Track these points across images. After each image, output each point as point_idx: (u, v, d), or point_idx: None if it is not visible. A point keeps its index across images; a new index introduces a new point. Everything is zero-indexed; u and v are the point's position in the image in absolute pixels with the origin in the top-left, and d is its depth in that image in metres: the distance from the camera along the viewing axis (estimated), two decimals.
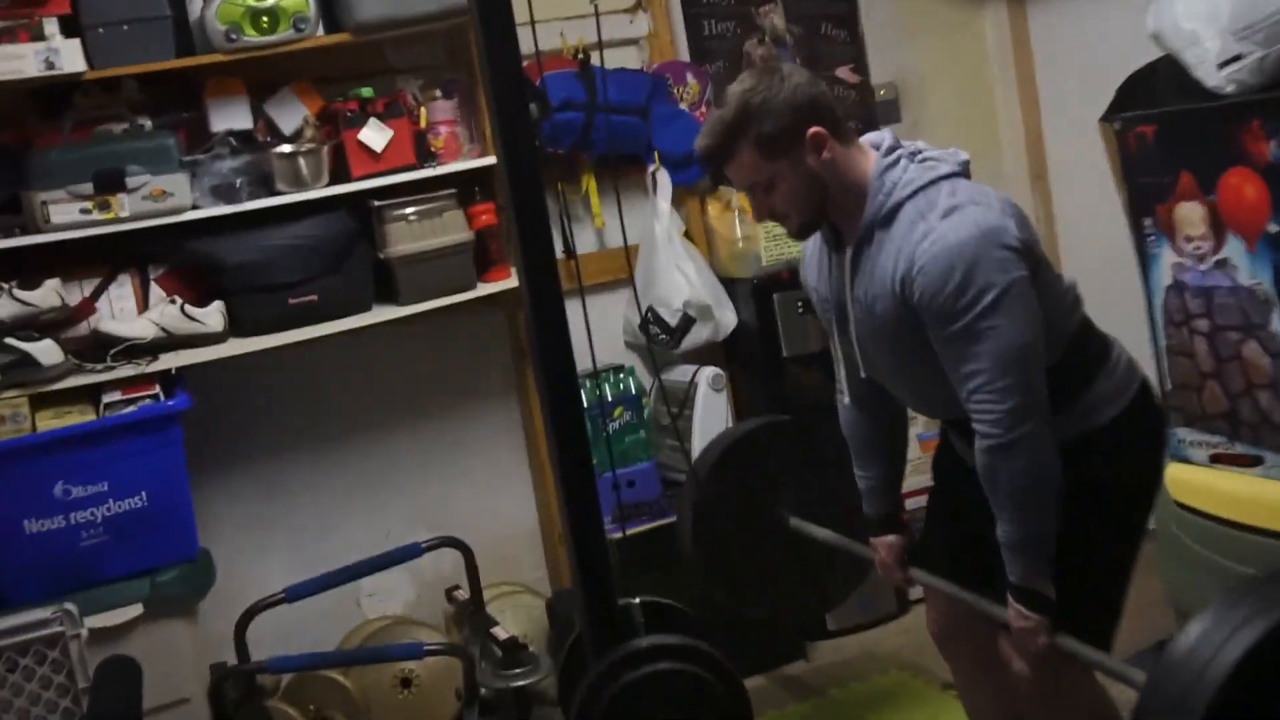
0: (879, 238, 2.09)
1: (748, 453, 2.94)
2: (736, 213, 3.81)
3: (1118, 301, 3.14)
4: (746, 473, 2.92)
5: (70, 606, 2.85)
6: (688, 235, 3.81)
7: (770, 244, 3.69)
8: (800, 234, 2.23)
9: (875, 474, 2.45)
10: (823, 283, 2.28)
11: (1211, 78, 2.65)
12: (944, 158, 2.12)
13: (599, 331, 2.91)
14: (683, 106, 3.78)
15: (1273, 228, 2.60)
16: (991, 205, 2.04)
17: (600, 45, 2.39)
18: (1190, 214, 2.77)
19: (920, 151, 2.13)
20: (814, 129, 2.07)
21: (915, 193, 2.06)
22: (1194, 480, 2.89)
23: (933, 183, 2.07)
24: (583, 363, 2.76)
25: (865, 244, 2.11)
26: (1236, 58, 2.61)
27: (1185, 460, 2.94)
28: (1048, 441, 2.05)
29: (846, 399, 2.40)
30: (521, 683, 3.10)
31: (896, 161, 2.10)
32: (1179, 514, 2.92)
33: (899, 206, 2.06)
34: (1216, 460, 2.87)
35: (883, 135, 2.18)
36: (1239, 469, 2.82)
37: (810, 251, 2.33)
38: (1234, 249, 2.70)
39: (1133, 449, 2.22)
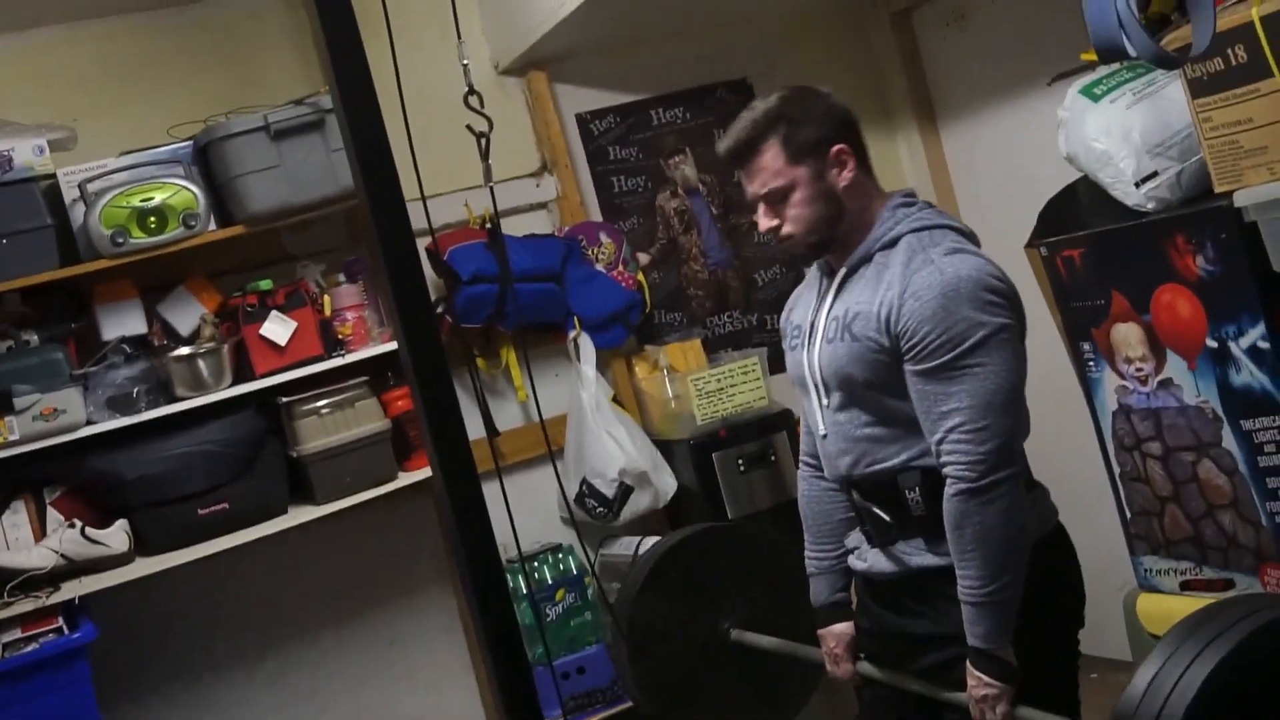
0: (878, 259, 2.10)
1: (679, 568, 2.83)
2: (665, 372, 3.69)
3: (1069, 429, 3.05)
4: (680, 589, 2.80)
5: None
6: (616, 400, 3.69)
7: (704, 402, 3.57)
8: (808, 253, 2.19)
9: (829, 552, 2.36)
10: (803, 311, 2.25)
11: (1130, 196, 2.66)
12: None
13: (532, 510, 2.76)
14: (599, 267, 3.69)
15: (1211, 343, 2.54)
16: (993, 262, 2.06)
17: (496, 216, 2.28)
18: (1127, 335, 2.73)
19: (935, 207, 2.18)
20: (841, 144, 2.11)
21: (922, 229, 2.09)
22: (1165, 609, 2.78)
23: (941, 226, 2.10)
24: (520, 545, 2.60)
25: (863, 264, 2.12)
26: (1153, 175, 2.62)
27: (1154, 590, 2.86)
28: (1021, 494, 2.01)
29: (806, 465, 2.35)
30: None
31: (913, 203, 2.15)
32: (1153, 645, 2.78)
33: (903, 235, 2.09)
34: (1187, 587, 2.78)
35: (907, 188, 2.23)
36: (1211, 594, 2.71)
37: (800, 289, 2.32)
38: (1176, 368, 2.65)
39: (1057, 569, 2.17)
